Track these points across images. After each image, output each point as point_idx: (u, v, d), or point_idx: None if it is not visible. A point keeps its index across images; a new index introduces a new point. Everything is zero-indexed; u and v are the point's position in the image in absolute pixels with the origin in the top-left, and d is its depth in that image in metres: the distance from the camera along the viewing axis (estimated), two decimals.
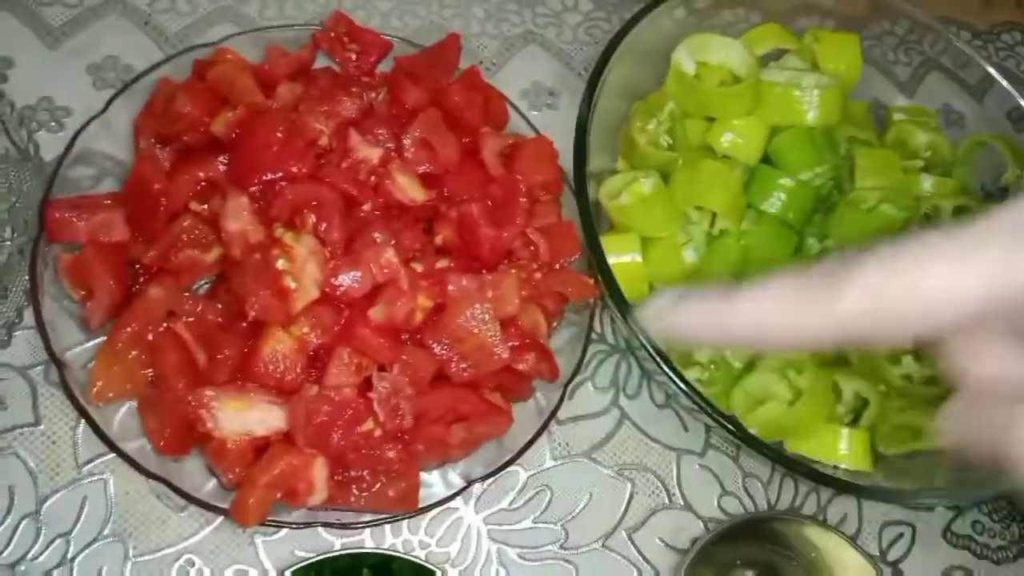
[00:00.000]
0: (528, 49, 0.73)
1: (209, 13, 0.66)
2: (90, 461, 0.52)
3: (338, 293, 0.51)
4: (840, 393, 0.58)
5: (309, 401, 0.48)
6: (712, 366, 0.56)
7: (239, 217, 0.51)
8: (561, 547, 0.57)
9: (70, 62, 0.62)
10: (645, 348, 0.50)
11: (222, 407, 0.49)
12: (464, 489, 0.52)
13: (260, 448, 0.50)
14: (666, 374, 0.49)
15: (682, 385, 0.49)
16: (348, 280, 0.51)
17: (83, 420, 0.50)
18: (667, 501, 0.59)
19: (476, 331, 0.52)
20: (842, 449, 0.55)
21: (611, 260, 0.53)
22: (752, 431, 0.53)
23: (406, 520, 0.53)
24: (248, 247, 0.51)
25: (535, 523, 0.57)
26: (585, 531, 0.57)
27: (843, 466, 0.55)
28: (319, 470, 0.49)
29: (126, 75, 0.62)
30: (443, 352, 0.52)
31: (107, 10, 0.64)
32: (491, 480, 0.56)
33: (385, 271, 0.51)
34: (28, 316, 0.53)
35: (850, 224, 0.61)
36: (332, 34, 0.62)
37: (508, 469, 0.57)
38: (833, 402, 0.57)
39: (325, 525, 0.50)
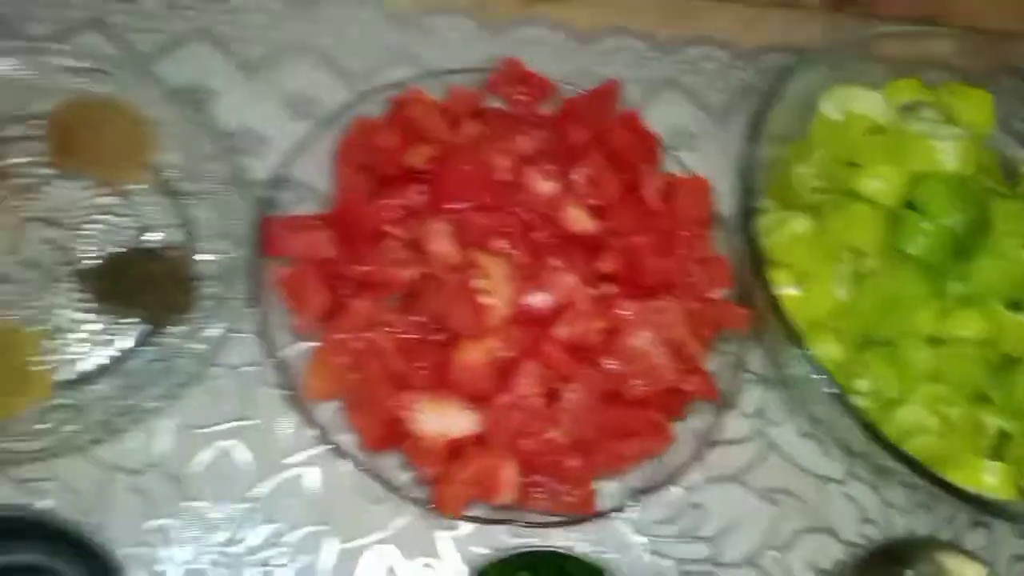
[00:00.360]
0: (668, 94, 0.78)
1: (387, 54, 0.73)
2: (298, 454, 0.57)
3: (526, 312, 0.56)
4: (984, 428, 0.61)
5: (504, 408, 0.53)
6: (869, 396, 0.59)
7: (441, 241, 0.56)
8: (713, 563, 0.60)
9: (267, 94, 0.69)
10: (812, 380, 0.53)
11: (424, 410, 0.54)
12: (630, 501, 0.56)
13: (454, 448, 0.54)
14: (845, 406, 0.52)
15: (855, 417, 0.52)
16: (536, 300, 0.56)
17: (294, 416, 0.56)
18: (810, 525, 0.63)
19: (647, 352, 0.56)
20: (988, 480, 0.58)
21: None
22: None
23: (580, 524, 0.57)
24: (447, 267, 0.56)
25: (689, 538, 0.61)
26: (735, 549, 0.61)
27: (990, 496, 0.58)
28: (509, 471, 0.54)
29: (316, 108, 0.69)
30: (617, 370, 0.56)
31: (296, 48, 0.71)
32: (650, 497, 0.60)
33: (567, 294, 0.56)
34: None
35: (990, 270, 0.64)
36: (505, 78, 0.67)
37: (665, 488, 0.61)
38: (979, 435, 0.60)
39: (511, 522, 0.54)
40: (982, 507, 0.54)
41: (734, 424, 0.65)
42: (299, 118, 0.68)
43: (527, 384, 0.55)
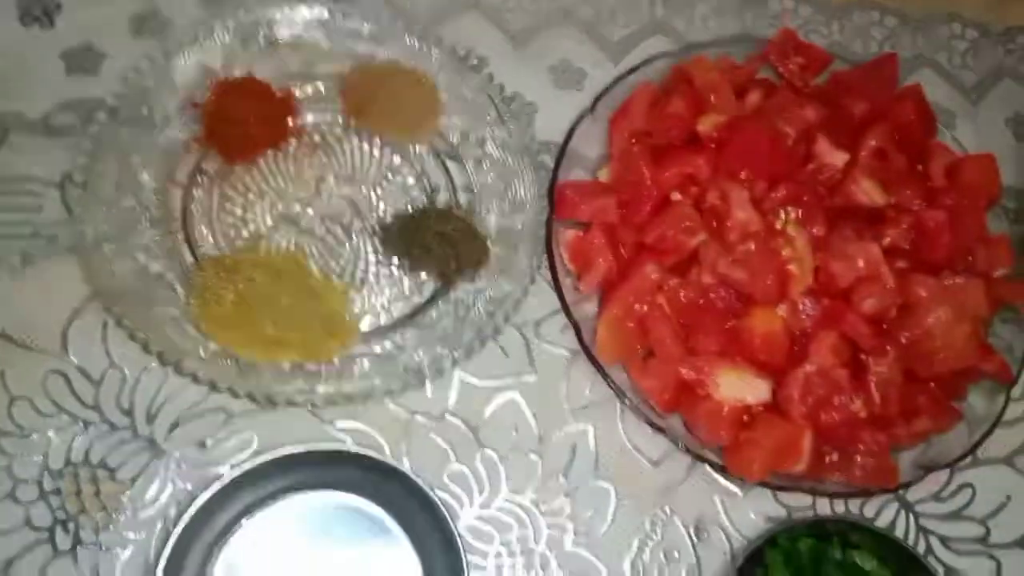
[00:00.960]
0: (921, 72, 0.76)
1: (644, 26, 0.73)
2: (577, 411, 0.59)
3: (826, 282, 0.56)
4: None
5: (808, 377, 0.54)
6: None
7: (743, 208, 0.57)
8: (982, 543, 0.60)
9: (532, 63, 0.71)
10: None
11: (722, 375, 0.55)
12: (921, 478, 0.56)
13: (748, 414, 0.55)
14: None
15: None
16: (837, 271, 0.56)
17: (578, 375, 0.59)
18: None
19: (944, 330, 0.56)
20: None
21: None
22: None
23: (870, 496, 0.57)
24: (745, 234, 0.57)
25: (959, 517, 0.60)
26: (1006, 531, 0.60)
27: None
28: (807, 441, 0.54)
29: (578, 77, 0.70)
30: (918, 347, 0.56)
31: (560, 19, 0.73)
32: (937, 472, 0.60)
33: (870, 266, 0.56)
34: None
35: None
36: (779, 48, 0.67)
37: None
38: None
39: (809, 491, 0.55)
40: None
41: (1009, 408, 0.64)
42: (562, 86, 0.70)
43: (827, 355, 0.55)
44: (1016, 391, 0.64)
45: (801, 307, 0.56)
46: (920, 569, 0.54)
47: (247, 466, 0.52)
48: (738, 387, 0.55)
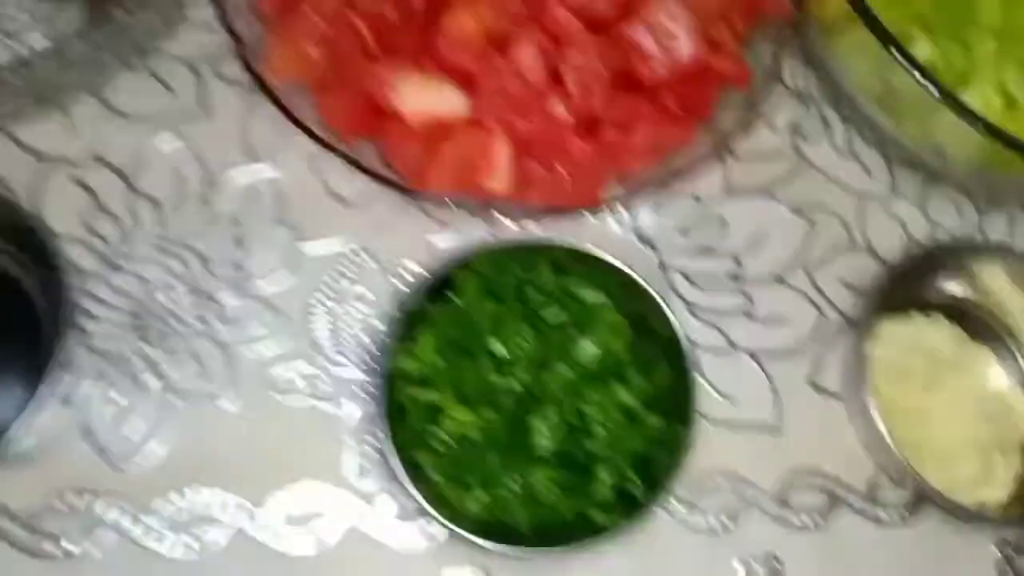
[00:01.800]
0: None
1: None
2: (258, 152, 0.51)
3: None
4: None
5: (497, 71, 0.45)
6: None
7: None
8: (733, 278, 0.53)
9: None
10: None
11: (404, 81, 0.46)
12: (633, 196, 0.49)
13: (440, 129, 0.47)
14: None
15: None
16: None
17: (253, 109, 0.49)
18: (849, 243, 0.55)
19: (670, 24, 0.48)
20: None
21: None
22: None
23: (578, 224, 0.50)
24: None
25: (707, 253, 0.53)
26: (760, 265, 0.54)
27: None
28: (502, 149, 0.46)
29: None
30: (636, 40, 0.48)
31: None
32: (662, 204, 0.53)
33: None
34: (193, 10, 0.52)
35: None
36: None
37: (682, 197, 0.54)
38: None
39: (500, 213, 0.48)
40: None
41: (762, 139, 0.57)
42: None
43: (527, 54, 0.47)
44: (780, 122, 0.58)
45: (500, 5, 0.47)
46: (645, 299, 0.47)
47: None
48: (427, 98, 0.47)
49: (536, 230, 0.50)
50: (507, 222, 0.51)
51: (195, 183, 0.49)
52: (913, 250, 0.54)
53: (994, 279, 0.53)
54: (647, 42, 0.48)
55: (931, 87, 0.45)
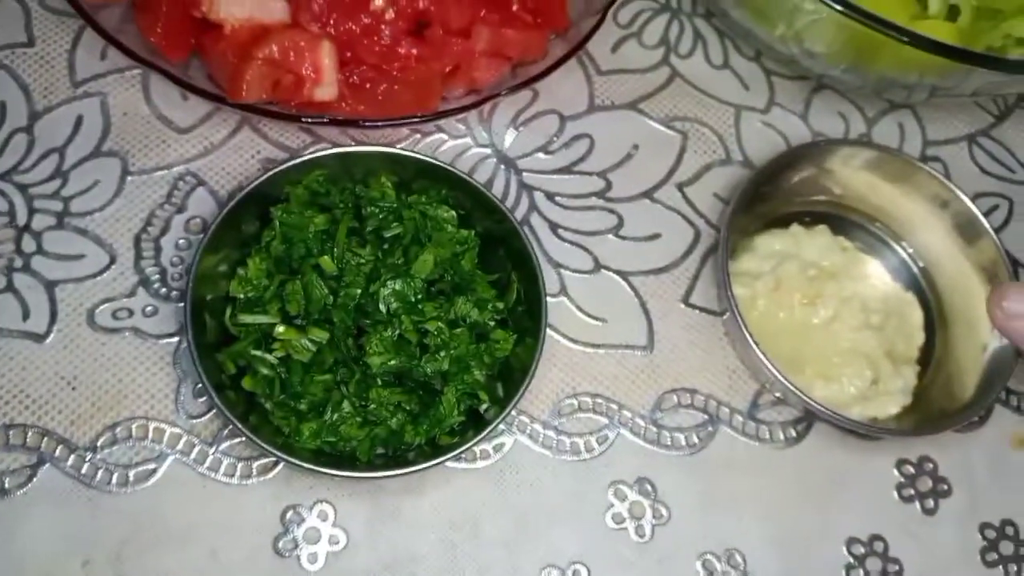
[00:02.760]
0: None
1: None
2: (85, 82, 0.48)
3: None
4: None
5: None
6: None
7: None
8: (602, 197, 0.50)
9: None
10: None
11: None
12: (480, 104, 0.46)
13: (261, 36, 0.44)
14: None
15: None
16: None
17: (81, 39, 0.47)
18: (724, 157, 0.53)
19: None
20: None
21: None
22: None
23: (433, 139, 0.47)
24: None
25: (573, 172, 0.51)
26: (630, 182, 0.51)
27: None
28: (326, 54, 0.44)
29: None
30: None
31: None
32: (523, 122, 0.51)
33: None
34: None
35: None
36: None
37: (545, 115, 0.51)
38: None
39: (328, 123, 0.45)
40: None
41: (632, 54, 0.54)
42: None
43: None
44: (650, 38, 0.55)
45: None
46: (497, 216, 0.44)
47: None
48: (243, 3, 0.44)
49: (378, 146, 0.47)
50: (350, 140, 0.48)
51: (17, 114, 0.46)
52: (777, 154, 0.51)
53: (864, 177, 0.50)
54: None
55: None
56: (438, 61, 0.45)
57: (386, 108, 0.45)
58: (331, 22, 0.44)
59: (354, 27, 0.44)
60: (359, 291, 0.42)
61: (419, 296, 0.42)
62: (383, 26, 0.44)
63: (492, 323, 0.44)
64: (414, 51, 0.45)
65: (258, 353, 0.41)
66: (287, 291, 0.42)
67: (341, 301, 0.42)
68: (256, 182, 0.42)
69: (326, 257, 0.42)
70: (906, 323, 0.49)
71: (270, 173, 0.43)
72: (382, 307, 0.42)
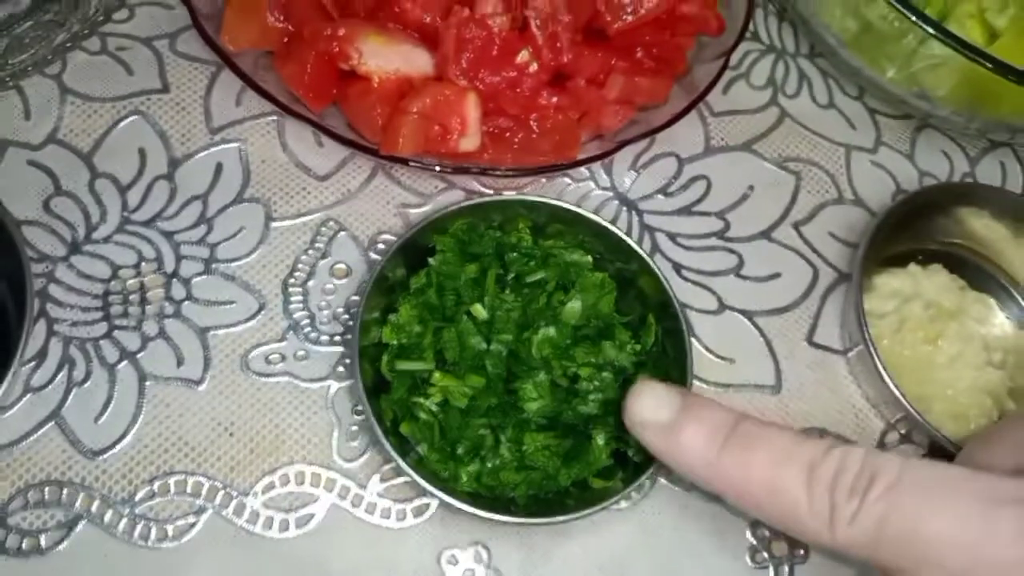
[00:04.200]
0: None
1: None
2: (222, 128, 0.49)
3: None
4: None
5: (461, 24, 0.44)
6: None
7: None
8: (721, 237, 0.51)
9: None
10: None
11: (365, 40, 0.45)
12: (613, 152, 0.47)
13: (408, 89, 0.45)
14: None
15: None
16: None
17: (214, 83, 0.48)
18: (837, 196, 0.54)
19: None
20: None
21: None
22: None
23: (557, 182, 0.48)
24: None
25: (692, 213, 0.52)
26: (747, 223, 0.52)
27: None
28: (472, 106, 0.45)
29: None
30: None
31: None
32: (643, 165, 0.52)
33: None
34: None
35: None
36: None
37: (663, 157, 0.52)
38: None
39: (474, 174, 0.46)
40: None
41: (741, 95, 0.56)
42: None
43: (489, 2, 0.45)
44: (758, 79, 0.56)
45: None
46: (630, 258, 0.45)
47: None
48: (389, 56, 0.45)
49: (512, 193, 0.48)
50: (481, 185, 0.49)
51: (158, 161, 0.47)
52: (902, 198, 0.52)
53: (983, 221, 0.52)
54: None
55: (911, 14, 0.44)
56: (575, 110, 0.46)
57: (524, 156, 0.46)
58: (477, 75, 0.45)
59: (498, 80, 0.45)
60: (510, 337, 0.43)
61: (568, 342, 0.43)
62: (525, 78, 0.45)
63: (634, 366, 0.44)
64: (554, 100, 0.46)
65: (419, 399, 0.42)
66: (444, 339, 0.42)
67: (494, 348, 0.43)
68: (411, 232, 0.43)
69: (478, 305, 0.43)
70: None
71: (422, 225, 0.44)
72: (535, 353, 0.43)
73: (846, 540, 0.32)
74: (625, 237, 0.45)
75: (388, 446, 0.40)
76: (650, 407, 0.36)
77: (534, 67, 0.45)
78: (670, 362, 0.44)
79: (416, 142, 0.44)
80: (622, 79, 0.47)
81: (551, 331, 0.43)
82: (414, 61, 0.45)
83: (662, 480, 0.45)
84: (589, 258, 0.46)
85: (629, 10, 0.47)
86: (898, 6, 0.44)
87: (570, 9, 0.46)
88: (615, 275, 0.46)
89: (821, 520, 0.32)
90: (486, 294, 0.43)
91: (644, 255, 0.45)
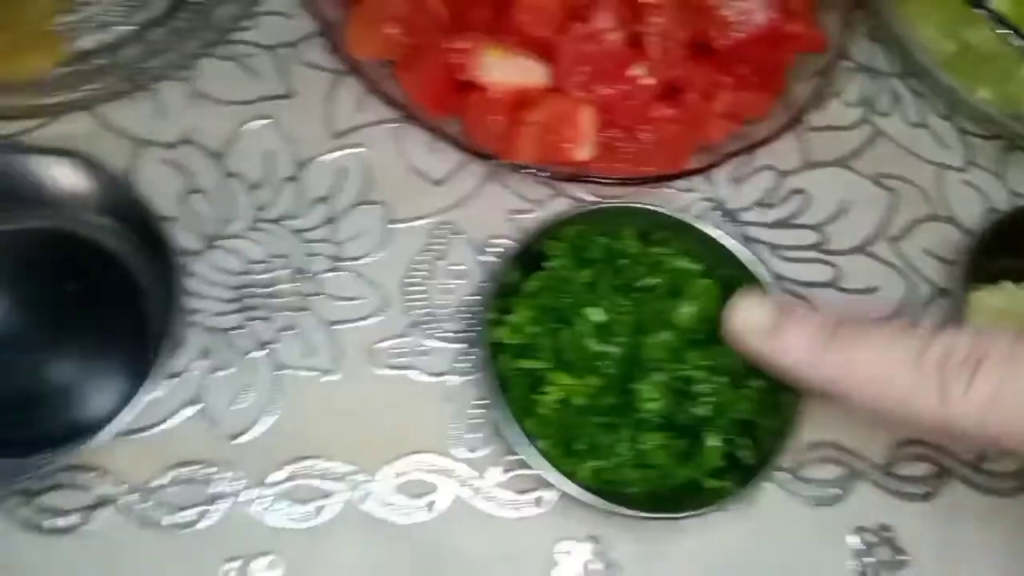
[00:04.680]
0: None
1: None
2: (344, 133, 0.51)
3: None
4: None
5: (577, 40, 0.46)
6: None
7: None
8: (819, 250, 0.53)
9: None
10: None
11: (485, 53, 0.47)
12: (719, 163, 0.49)
13: (524, 99, 0.47)
14: None
15: None
16: None
17: (333, 90, 0.51)
18: (931, 213, 0.55)
19: None
20: None
21: None
22: None
23: (659, 191, 0.50)
24: None
25: (791, 225, 0.53)
26: (845, 236, 0.53)
27: None
28: (587, 117, 0.47)
29: None
30: (713, 3, 0.48)
31: None
32: (743, 176, 0.53)
33: None
34: None
35: None
36: None
37: (762, 170, 0.54)
38: None
39: (591, 181, 0.48)
40: None
41: (834, 113, 0.57)
42: None
43: (605, 19, 0.47)
44: (851, 96, 0.58)
45: None
46: (734, 267, 0.47)
47: None
48: (508, 69, 0.47)
49: (621, 201, 0.50)
50: (589, 193, 0.51)
51: (285, 163, 0.50)
52: (999, 217, 0.54)
53: None
54: (724, 6, 0.49)
55: (1012, 34, 0.45)
56: (686, 123, 0.48)
57: (635, 166, 0.48)
58: (592, 88, 0.46)
59: (613, 92, 0.47)
60: (625, 339, 0.44)
61: (681, 344, 0.45)
62: (638, 91, 0.47)
63: (744, 369, 0.46)
64: (666, 113, 0.48)
65: (538, 397, 0.43)
66: (561, 340, 0.44)
67: (610, 350, 0.44)
68: (529, 238, 0.45)
69: (595, 308, 0.45)
70: None
71: (538, 231, 0.45)
72: (650, 355, 0.44)
73: (960, 412, 0.31)
74: (735, 246, 0.47)
75: (515, 439, 0.41)
76: (752, 313, 0.37)
77: (649, 80, 0.47)
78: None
79: (533, 151, 0.46)
80: (731, 93, 0.49)
81: (666, 335, 0.44)
82: (530, 73, 0.47)
83: (771, 484, 0.46)
84: (697, 266, 0.47)
85: (737, 27, 0.49)
86: (1006, 30, 0.45)
87: (681, 24, 0.48)
88: (721, 282, 0.48)
89: (933, 396, 0.32)
90: (602, 298, 0.45)
91: (751, 265, 0.47)
